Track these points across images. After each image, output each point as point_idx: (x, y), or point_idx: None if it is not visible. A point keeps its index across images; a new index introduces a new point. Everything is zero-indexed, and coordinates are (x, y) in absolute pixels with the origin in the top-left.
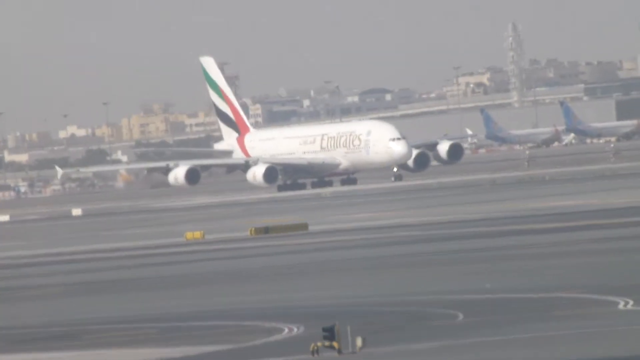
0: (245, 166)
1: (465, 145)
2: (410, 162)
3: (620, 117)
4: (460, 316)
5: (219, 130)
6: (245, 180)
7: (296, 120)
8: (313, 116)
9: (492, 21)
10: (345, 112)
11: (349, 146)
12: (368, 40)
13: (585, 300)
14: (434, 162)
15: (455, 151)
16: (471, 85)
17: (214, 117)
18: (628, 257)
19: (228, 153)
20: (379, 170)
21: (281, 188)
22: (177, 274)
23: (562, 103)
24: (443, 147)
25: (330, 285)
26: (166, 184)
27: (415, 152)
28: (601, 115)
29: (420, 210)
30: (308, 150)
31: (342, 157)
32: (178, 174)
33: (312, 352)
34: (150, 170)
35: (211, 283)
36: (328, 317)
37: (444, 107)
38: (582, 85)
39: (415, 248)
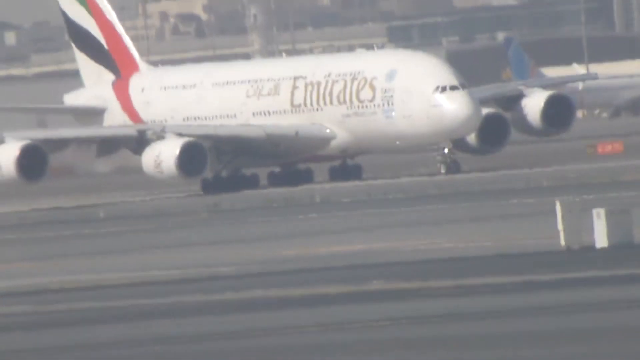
0: (138, 141)
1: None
2: (471, 136)
3: None
4: None
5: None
6: (139, 167)
7: None
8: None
9: None
10: None
11: (351, 101)
12: None
13: None
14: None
15: (560, 111)
16: None
17: None
18: None
19: (95, 113)
20: (409, 152)
21: (209, 186)
22: None
23: None
24: (536, 103)
25: None
26: None
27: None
28: None
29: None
30: (265, 109)
31: (336, 125)
32: (3, 160)
33: None
34: None
35: None
36: None
37: None
38: None
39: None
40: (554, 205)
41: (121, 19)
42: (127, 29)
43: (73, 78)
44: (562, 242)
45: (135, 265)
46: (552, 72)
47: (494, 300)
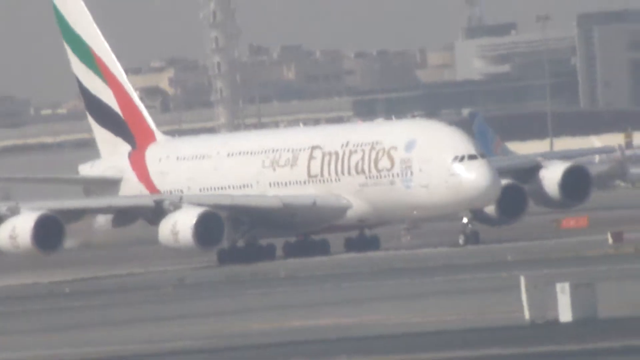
0: (155, 211)
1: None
2: (490, 207)
3: None
4: None
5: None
6: (155, 238)
7: None
8: None
9: None
10: None
11: (369, 171)
12: None
13: None
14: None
15: (577, 184)
16: None
17: None
18: None
19: (110, 183)
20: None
21: (225, 256)
22: None
23: None
24: (553, 174)
25: None
26: None
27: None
28: None
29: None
30: (282, 179)
31: (353, 195)
32: (19, 230)
33: None
34: None
35: None
36: None
37: None
38: None
39: None
40: (519, 279)
41: None
42: None
43: (39, 151)
44: (527, 316)
45: (102, 340)
46: (517, 147)
47: None
